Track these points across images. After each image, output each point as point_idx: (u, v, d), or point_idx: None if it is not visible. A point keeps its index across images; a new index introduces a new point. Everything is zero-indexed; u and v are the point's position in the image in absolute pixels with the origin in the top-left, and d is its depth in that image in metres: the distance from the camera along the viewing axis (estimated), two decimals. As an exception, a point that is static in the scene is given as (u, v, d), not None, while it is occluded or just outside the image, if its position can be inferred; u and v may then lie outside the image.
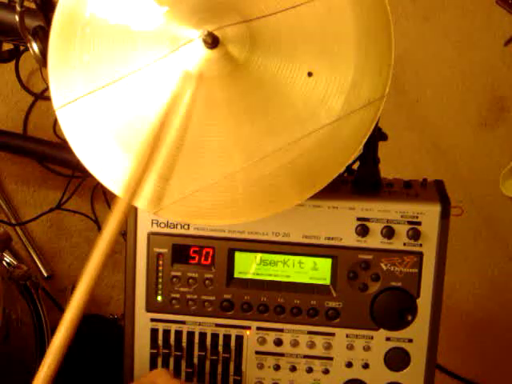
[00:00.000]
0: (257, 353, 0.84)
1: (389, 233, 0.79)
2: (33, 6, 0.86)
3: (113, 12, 0.68)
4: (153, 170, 0.66)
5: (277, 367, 0.84)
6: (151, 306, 0.83)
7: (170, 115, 0.65)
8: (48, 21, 0.85)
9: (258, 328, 0.83)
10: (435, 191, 0.83)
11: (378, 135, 0.81)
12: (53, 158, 1.33)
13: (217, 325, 0.83)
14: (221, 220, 0.69)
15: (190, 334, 0.84)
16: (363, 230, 0.79)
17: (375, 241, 0.80)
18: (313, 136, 0.67)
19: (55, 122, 0.69)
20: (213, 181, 0.68)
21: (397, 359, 0.83)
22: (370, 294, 0.81)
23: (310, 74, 0.67)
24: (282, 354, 0.84)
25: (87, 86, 0.68)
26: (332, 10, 0.67)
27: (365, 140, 0.68)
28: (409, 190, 0.83)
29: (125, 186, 0.65)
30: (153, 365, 0.85)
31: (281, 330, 0.83)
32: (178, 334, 0.84)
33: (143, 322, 0.84)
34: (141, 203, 0.68)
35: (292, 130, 0.67)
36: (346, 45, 0.67)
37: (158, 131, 0.65)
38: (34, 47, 0.84)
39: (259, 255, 0.82)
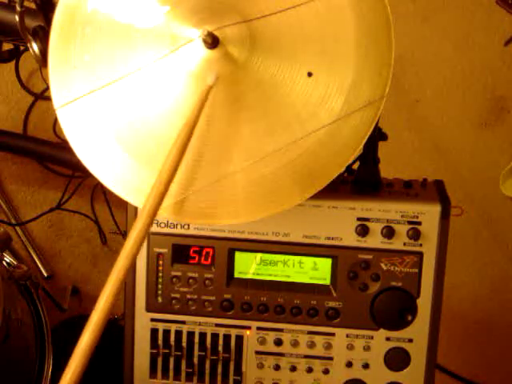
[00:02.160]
0: (257, 353, 0.84)
1: (389, 233, 0.79)
2: (33, 6, 0.86)
3: (114, 10, 0.68)
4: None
5: (277, 367, 0.84)
6: (151, 306, 0.83)
7: (197, 120, 0.65)
8: (48, 21, 0.85)
9: (258, 328, 0.83)
10: (435, 191, 0.83)
11: (378, 135, 0.81)
12: (53, 158, 1.33)
13: (217, 325, 0.83)
14: (221, 220, 0.69)
15: (190, 334, 0.84)
16: (363, 230, 0.79)
17: (375, 241, 0.80)
18: (313, 136, 0.67)
19: (55, 121, 0.69)
20: (213, 181, 0.68)
21: (397, 359, 0.83)
22: (370, 293, 0.81)
23: (309, 74, 0.67)
24: (282, 354, 0.84)
25: (88, 85, 0.68)
26: (332, 9, 0.67)
27: (365, 140, 0.68)
28: (409, 190, 0.83)
29: (153, 193, 0.64)
30: (153, 365, 0.85)
31: (281, 330, 0.83)
32: (178, 333, 0.84)
33: (143, 322, 0.84)
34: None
35: (292, 130, 0.67)
36: (345, 45, 0.67)
37: (187, 136, 0.65)
38: (34, 47, 0.84)
39: (259, 255, 0.82)
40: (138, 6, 0.68)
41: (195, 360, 0.84)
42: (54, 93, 0.69)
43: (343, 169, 0.69)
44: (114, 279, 0.62)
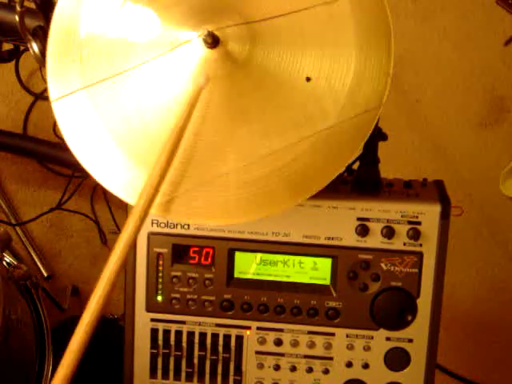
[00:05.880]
0: (257, 353, 0.84)
1: (389, 233, 0.79)
2: (33, 6, 0.86)
3: (109, 28, 0.68)
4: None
5: (277, 367, 0.84)
6: (151, 306, 0.83)
7: (188, 121, 0.66)
8: (48, 21, 0.84)
9: (258, 328, 0.83)
10: (435, 191, 0.83)
11: (378, 135, 0.81)
12: (53, 158, 1.33)
13: (217, 325, 0.83)
14: (212, 220, 0.69)
15: (190, 334, 0.84)
16: (363, 230, 0.79)
17: (375, 241, 0.80)
18: (308, 141, 0.67)
19: (55, 121, 0.69)
20: (206, 180, 0.68)
21: (397, 359, 0.83)
22: (370, 293, 0.81)
23: (308, 79, 0.67)
24: (282, 354, 0.84)
25: (85, 81, 0.68)
26: (333, 15, 0.67)
27: (360, 147, 0.68)
28: (409, 190, 0.83)
29: (144, 195, 0.65)
30: (153, 365, 0.85)
31: (281, 330, 0.83)
32: (178, 333, 0.84)
33: (143, 322, 0.84)
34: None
35: (287, 133, 0.67)
36: (345, 51, 0.67)
37: (178, 138, 0.65)
38: (34, 47, 0.84)
39: (259, 255, 0.82)
40: (133, 21, 0.68)
41: (195, 360, 0.84)
42: (51, 86, 0.69)
43: (336, 175, 0.68)
44: (105, 280, 0.62)
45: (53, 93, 0.69)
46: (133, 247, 0.77)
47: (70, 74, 0.68)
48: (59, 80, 0.69)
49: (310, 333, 0.83)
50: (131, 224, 0.64)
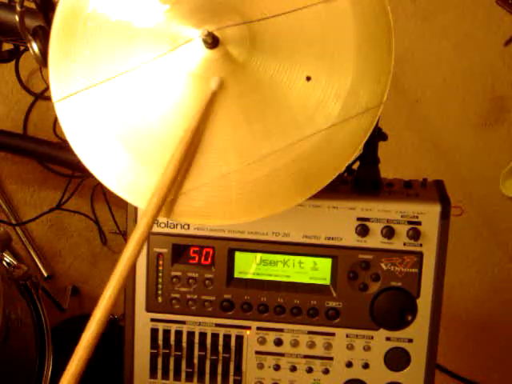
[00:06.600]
0: (257, 353, 0.84)
1: (389, 233, 0.79)
2: (33, 6, 0.86)
3: (114, 7, 0.68)
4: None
5: (277, 367, 0.84)
6: (151, 306, 0.83)
7: (201, 124, 0.66)
8: (48, 21, 0.85)
9: (258, 328, 0.83)
10: (435, 191, 0.83)
11: (378, 135, 0.81)
12: (53, 158, 1.33)
13: (217, 325, 0.83)
14: (213, 220, 0.69)
15: (190, 334, 0.84)
16: (363, 230, 0.79)
17: (375, 241, 0.80)
18: (308, 140, 0.67)
19: (55, 121, 0.69)
20: (207, 180, 0.68)
21: (397, 359, 0.83)
22: (370, 294, 0.81)
23: (308, 78, 0.67)
24: (282, 354, 0.84)
25: (87, 81, 0.68)
26: (333, 14, 0.67)
27: (360, 146, 0.68)
28: (409, 190, 0.83)
29: (155, 196, 0.65)
30: (153, 365, 0.85)
31: (281, 330, 0.83)
32: (178, 334, 0.84)
33: (143, 322, 0.84)
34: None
35: (288, 133, 0.67)
36: (345, 50, 0.67)
37: (191, 140, 0.66)
38: (34, 47, 0.84)
39: (259, 255, 0.82)
40: (138, 5, 0.68)
41: (195, 360, 0.84)
42: (53, 87, 0.68)
43: (337, 174, 0.68)
44: (116, 278, 0.63)
45: (55, 93, 0.69)
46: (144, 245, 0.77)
47: (71, 74, 0.68)
48: (61, 80, 0.69)
49: (310, 333, 0.83)
50: (144, 221, 0.64)
